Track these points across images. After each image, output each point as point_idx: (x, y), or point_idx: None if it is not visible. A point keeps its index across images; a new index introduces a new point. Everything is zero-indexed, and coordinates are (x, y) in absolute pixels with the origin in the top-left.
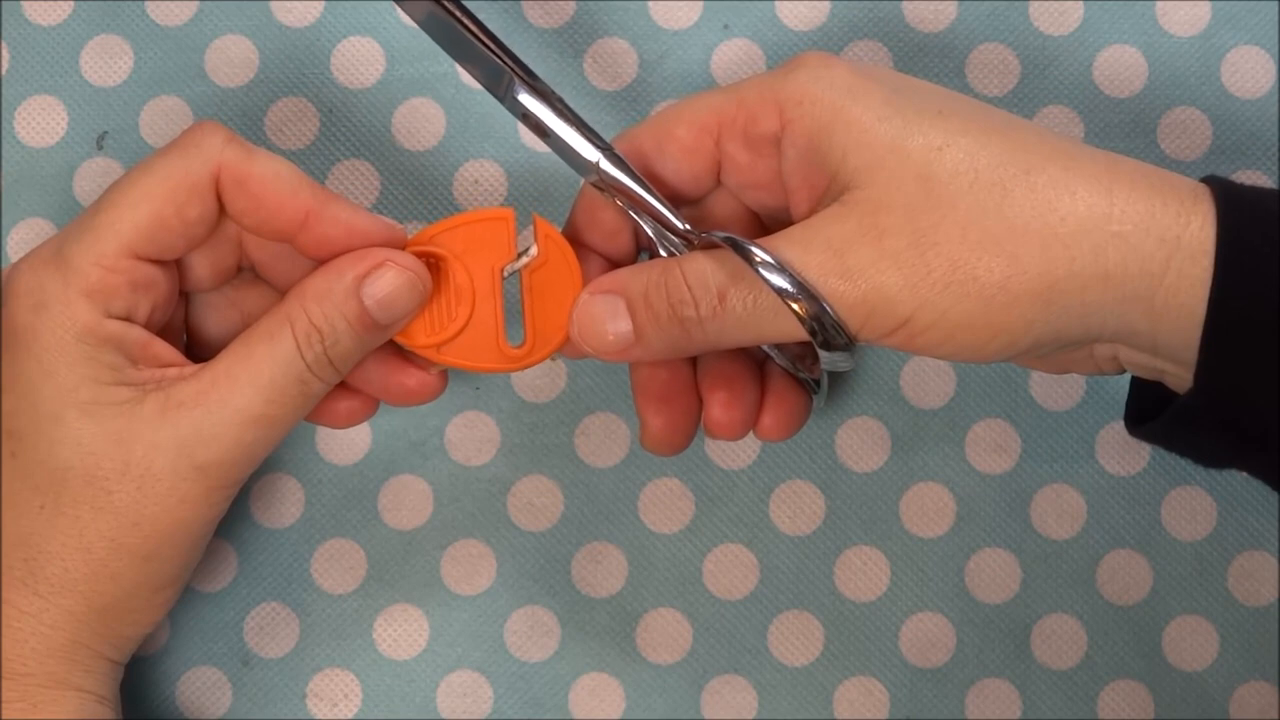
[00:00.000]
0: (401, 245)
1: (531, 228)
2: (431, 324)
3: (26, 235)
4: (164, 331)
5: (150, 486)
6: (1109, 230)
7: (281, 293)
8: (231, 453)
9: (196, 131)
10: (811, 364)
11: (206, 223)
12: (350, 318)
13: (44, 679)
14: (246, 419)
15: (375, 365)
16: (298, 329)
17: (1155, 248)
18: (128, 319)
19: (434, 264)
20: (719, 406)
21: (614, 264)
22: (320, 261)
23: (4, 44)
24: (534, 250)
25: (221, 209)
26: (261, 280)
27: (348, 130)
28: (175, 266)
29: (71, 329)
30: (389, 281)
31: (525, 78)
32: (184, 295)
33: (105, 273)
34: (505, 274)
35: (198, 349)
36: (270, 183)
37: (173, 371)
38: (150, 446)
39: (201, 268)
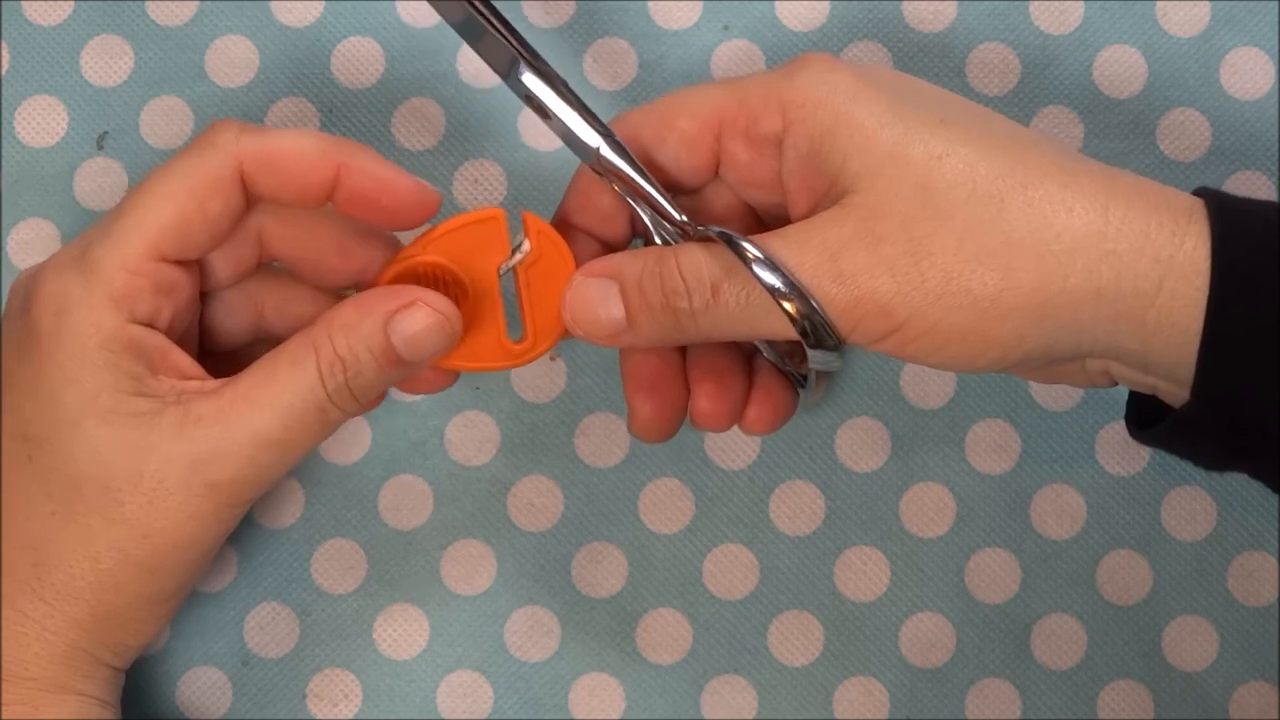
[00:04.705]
0: (435, 206)
1: (523, 225)
2: None
3: (27, 235)
4: (181, 339)
5: (161, 500)
6: (1104, 248)
7: (308, 284)
8: (245, 473)
9: (210, 131)
10: (800, 360)
11: (230, 217)
12: (375, 351)
13: (45, 683)
14: (263, 441)
15: None
16: (322, 357)
17: (1149, 267)
18: (150, 324)
19: (434, 272)
20: (705, 397)
21: (608, 248)
22: (365, 223)
23: (4, 44)
24: (527, 246)
25: (248, 200)
26: (280, 274)
27: (348, 130)
28: (197, 270)
29: (95, 335)
30: (418, 321)
31: (530, 59)
32: (201, 295)
33: (130, 276)
34: (501, 272)
35: (214, 344)
36: (294, 153)
37: (193, 385)
38: (164, 460)
39: (221, 266)
